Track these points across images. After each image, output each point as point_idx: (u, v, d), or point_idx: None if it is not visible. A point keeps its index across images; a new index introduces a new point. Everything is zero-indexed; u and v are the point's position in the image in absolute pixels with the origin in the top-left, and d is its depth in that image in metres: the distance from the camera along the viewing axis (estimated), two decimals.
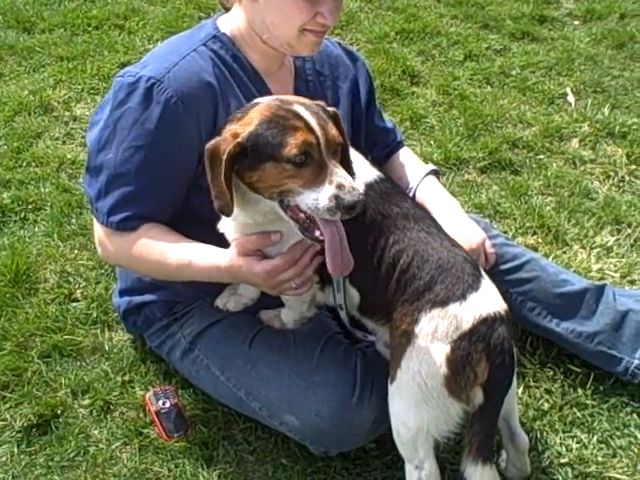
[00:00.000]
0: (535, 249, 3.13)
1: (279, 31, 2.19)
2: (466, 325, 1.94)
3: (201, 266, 2.14)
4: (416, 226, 2.06)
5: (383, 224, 2.05)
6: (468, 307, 1.96)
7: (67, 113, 4.06)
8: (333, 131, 1.84)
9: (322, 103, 1.95)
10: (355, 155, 2.11)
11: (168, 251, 2.17)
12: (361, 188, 1.94)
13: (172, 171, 2.18)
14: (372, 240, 2.05)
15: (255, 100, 1.97)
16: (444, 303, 1.96)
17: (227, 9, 2.37)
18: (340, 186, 1.78)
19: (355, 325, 2.30)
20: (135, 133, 2.16)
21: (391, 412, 2.05)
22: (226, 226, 2.09)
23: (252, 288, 2.28)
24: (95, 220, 2.27)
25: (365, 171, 2.10)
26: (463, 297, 1.97)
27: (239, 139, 1.84)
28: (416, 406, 1.97)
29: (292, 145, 1.79)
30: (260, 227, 2.01)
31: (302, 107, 1.85)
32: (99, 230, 2.27)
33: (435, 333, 1.95)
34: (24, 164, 3.65)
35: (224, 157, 1.83)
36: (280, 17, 2.16)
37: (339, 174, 1.79)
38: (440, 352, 1.94)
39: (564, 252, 3.19)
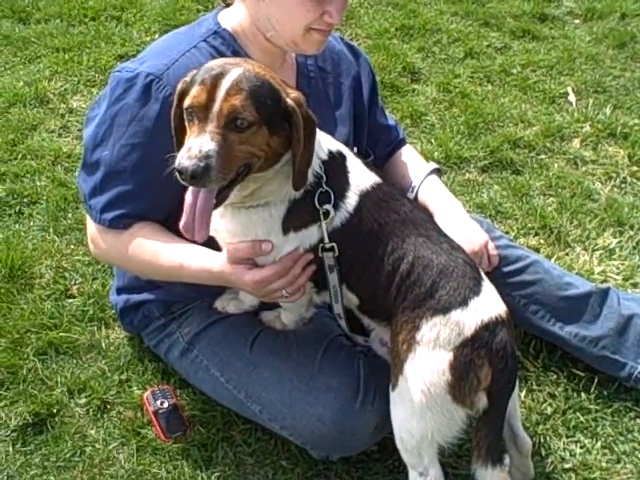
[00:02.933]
0: (537, 250, 3.11)
1: (285, 29, 2.15)
2: (468, 331, 1.92)
3: (192, 269, 2.11)
4: (415, 231, 2.03)
5: (381, 232, 2.01)
6: (470, 313, 1.94)
7: (63, 105, 4.01)
8: (233, 101, 1.73)
9: (273, 79, 1.85)
10: (353, 160, 2.07)
11: (160, 251, 2.14)
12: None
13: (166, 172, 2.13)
14: (370, 249, 2.02)
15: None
16: (446, 310, 1.94)
17: (228, 4, 2.32)
18: (188, 149, 1.70)
19: (356, 329, 2.27)
20: (132, 130, 2.12)
21: (394, 419, 2.02)
22: (216, 225, 2.04)
23: (252, 296, 2.25)
24: (88, 217, 2.24)
25: (362, 178, 2.04)
26: (465, 303, 1.95)
27: (185, 77, 1.85)
28: (420, 413, 1.95)
29: (188, 96, 1.78)
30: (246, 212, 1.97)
31: (234, 71, 1.77)
32: (92, 227, 2.24)
33: (437, 340, 1.92)
34: (19, 157, 3.60)
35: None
36: (286, 16, 2.12)
37: (199, 139, 1.71)
38: (443, 359, 1.92)
39: (566, 254, 3.17)
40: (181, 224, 1.84)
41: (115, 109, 2.13)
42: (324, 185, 1.96)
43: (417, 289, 1.97)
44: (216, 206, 1.83)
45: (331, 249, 1.99)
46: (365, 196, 2.01)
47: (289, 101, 1.83)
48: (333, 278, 2.04)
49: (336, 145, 2.07)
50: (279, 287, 2.01)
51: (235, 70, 1.78)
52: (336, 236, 1.99)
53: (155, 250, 2.15)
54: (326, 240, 1.98)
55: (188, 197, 1.83)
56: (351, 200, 1.99)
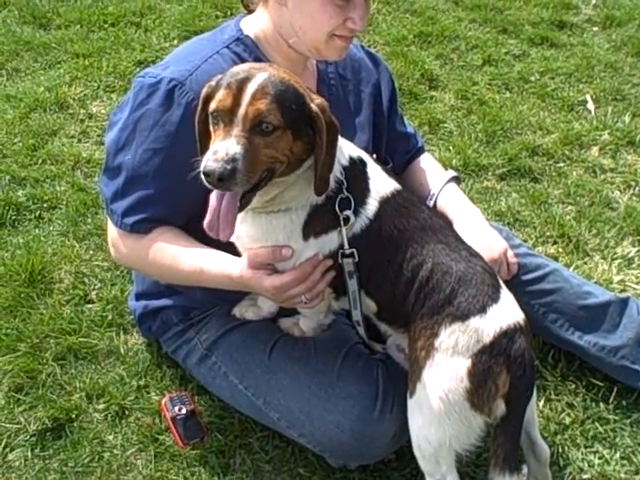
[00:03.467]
0: (555, 259, 3.10)
1: (308, 36, 2.15)
2: (487, 338, 1.92)
3: (212, 274, 2.11)
4: (434, 237, 2.03)
5: (400, 239, 2.01)
6: (488, 320, 1.94)
7: (83, 111, 4.03)
8: (258, 105, 1.74)
9: (298, 85, 1.86)
10: (373, 167, 2.07)
11: (180, 256, 2.15)
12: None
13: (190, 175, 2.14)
14: (389, 255, 2.02)
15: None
16: (464, 317, 1.93)
17: (250, 11, 2.33)
18: (214, 152, 1.71)
19: (372, 337, 2.27)
20: (155, 135, 2.12)
21: (411, 426, 2.01)
22: (237, 231, 2.04)
23: (271, 302, 2.25)
24: (109, 221, 2.25)
25: (382, 185, 2.04)
26: (483, 310, 1.94)
27: (211, 82, 1.87)
28: (438, 420, 1.94)
29: (214, 100, 1.79)
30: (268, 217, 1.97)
31: (259, 76, 1.78)
32: (113, 231, 2.25)
33: (456, 347, 1.92)
34: (39, 162, 3.62)
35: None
36: (310, 22, 2.12)
37: (225, 142, 1.72)
38: (461, 366, 1.91)
39: (585, 262, 3.15)
40: (205, 222, 1.84)
41: (138, 114, 2.15)
42: (345, 191, 1.96)
43: (436, 296, 1.97)
44: (239, 210, 1.83)
45: (351, 255, 1.99)
46: (385, 202, 2.01)
47: (313, 106, 1.83)
48: (352, 284, 2.04)
49: (357, 151, 2.07)
50: (298, 293, 2.01)
51: (261, 74, 1.79)
52: (356, 242, 2.00)
53: (175, 254, 2.15)
54: (346, 246, 1.98)
55: (212, 200, 1.83)
56: (371, 206, 2.00)
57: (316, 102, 1.85)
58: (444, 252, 2.01)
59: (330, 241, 2.00)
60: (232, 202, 1.81)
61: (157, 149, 2.13)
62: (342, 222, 1.97)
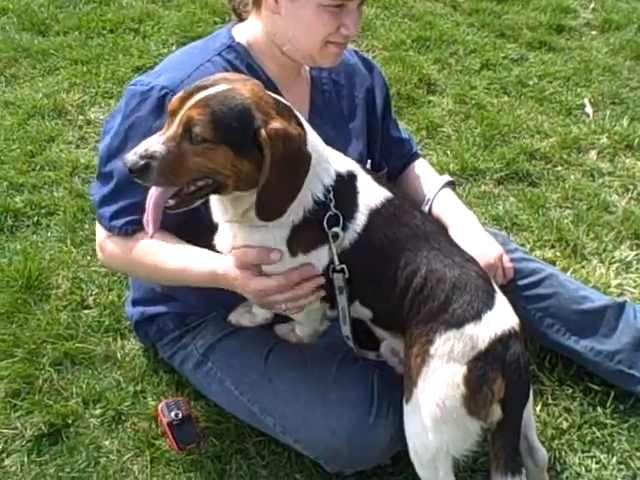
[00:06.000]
0: (553, 263, 3.09)
1: (302, 43, 2.16)
2: (482, 345, 1.92)
3: (195, 272, 2.11)
4: (427, 244, 2.01)
5: (392, 248, 1.99)
6: (483, 327, 1.94)
7: (81, 117, 4.03)
8: (192, 113, 1.73)
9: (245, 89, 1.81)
10: (363, 178, 2.03)
11: (165, 255, 2.15)
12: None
13: None
14: (382, 265, 2.00)
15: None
16: (459, 324, 1.93)
17: (242, 19, 2.34)
18: (140, 146, 1.76)
19: (367, 340, 2.27)
20: None
21: (408, 432, 2.01)
22: (222, 240, 2.05)
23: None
24: (97, 224, 2.27)
25: (371, 196, 2.00)
26: (478, 317, 1.94)
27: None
28: (435, 426, 1.94)
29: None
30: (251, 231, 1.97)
31: (214, 87, 1.77)
32: (101, 235, 2.26)
33: (451, 354, 1.92)
34: (37, 168, 3.62)
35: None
36: (304, 30, 2.13)
37: (153, 139, 1.76)
38: (457, 372, 1.91)
39: (582, 266, 3.15)
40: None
41: (129, 121, 2.15)
42: (332, 208, 1.93)
43: (430, 303, 1.96)
44: (176, 207, 1.86)
45: (341, 271, 1.98)
46: (374, 214, 1.99)
47: (264, 131, 1.75)
48: (342, 300, 2.03)
49: (346, 165, 2.02)
50: (279, 301, 2.01)
51: (219, 87, 1.78)
52: (346, 256, 1.98)
53: (160, 254, 2.16)
54: (336, 262, 1.97)
55: (150, 192, 1.87)
56: (359, 221, 1.97)
57: (271, 127, 1.76)
58: (438, 259, 2.00)
59: (320, 256, 1.98)
60: (160, 196, 1.84)
61: None
62: (331, 239, 1.94)
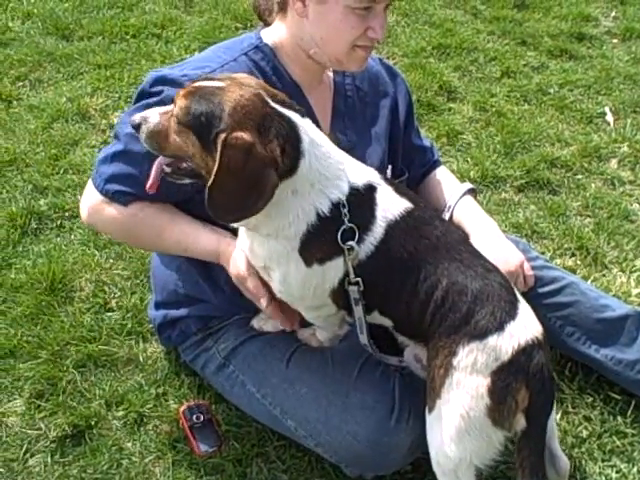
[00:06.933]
0: (573, 271, 3.09)
1: (329, 47, 2.18)
2: (505, 356, 1.91)
3: (200, 248, 2.24)
4: (448, 255, 1.98)
5: (411, 261, 1.96)
6: (506, 338, 1.92)
7: (104, 121, 4.07)
8: (182, 98, 1.84)
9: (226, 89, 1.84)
10: (383, 190, 1.97)
11: (165, 230, 2.24)
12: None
13: None
14: (401, 277, 1.97)
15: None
16: (482, 336, 1.92)
17: (267, 24, 2.36)
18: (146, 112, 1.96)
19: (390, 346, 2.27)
20: None
21: (430, 442, 2.01)
22: (242, 244, 2.09)
23: None
24: (90, 184, 2.27)
25: (390, 209, 1.95)
26: (501, 328, 1.93)
27: None
28: (458, 437, 1.94)
29: None
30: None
31: (213, 82, 1.85)
32: (92, 196, 2.25)
33: (475, 365, 1.91)
34: (61, 171, 3.67)
35: None
36: (332, 33, 2.15)
37: (154, 109, 1.95)
38: (481, 384, 1.91)
39: (603, 275, 3.14)
40: None
41: (151, 101, 2.15)
42: (347, 222, 1.89)
43: (452, 315, 1.95)
44: (170, 175, 1.99)
45: (356, 283, 1.96)
46: (393, 227, 1.95)
47: (222, 135, 1.73)
48: (358, 310, 2.02)
49: (365, 177, 1.97)
50: (251, 296, 2.13)
51: (216, 82, 1.85)
52: (363, 268, 1.95)
53: (160, 225, 2.24)
54: (352, 275, 1.95)
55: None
56: (377, 233, 1.93)
57: (234, 136, 1.73)
58: (459, 270, 1.97)
59: (336, 267, 1.95)
60: (160, 159, 1.99)
61: None
62: (346, 252, 1.91)
